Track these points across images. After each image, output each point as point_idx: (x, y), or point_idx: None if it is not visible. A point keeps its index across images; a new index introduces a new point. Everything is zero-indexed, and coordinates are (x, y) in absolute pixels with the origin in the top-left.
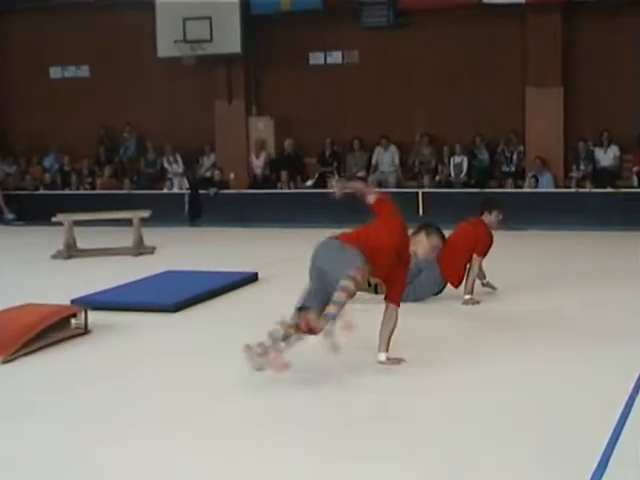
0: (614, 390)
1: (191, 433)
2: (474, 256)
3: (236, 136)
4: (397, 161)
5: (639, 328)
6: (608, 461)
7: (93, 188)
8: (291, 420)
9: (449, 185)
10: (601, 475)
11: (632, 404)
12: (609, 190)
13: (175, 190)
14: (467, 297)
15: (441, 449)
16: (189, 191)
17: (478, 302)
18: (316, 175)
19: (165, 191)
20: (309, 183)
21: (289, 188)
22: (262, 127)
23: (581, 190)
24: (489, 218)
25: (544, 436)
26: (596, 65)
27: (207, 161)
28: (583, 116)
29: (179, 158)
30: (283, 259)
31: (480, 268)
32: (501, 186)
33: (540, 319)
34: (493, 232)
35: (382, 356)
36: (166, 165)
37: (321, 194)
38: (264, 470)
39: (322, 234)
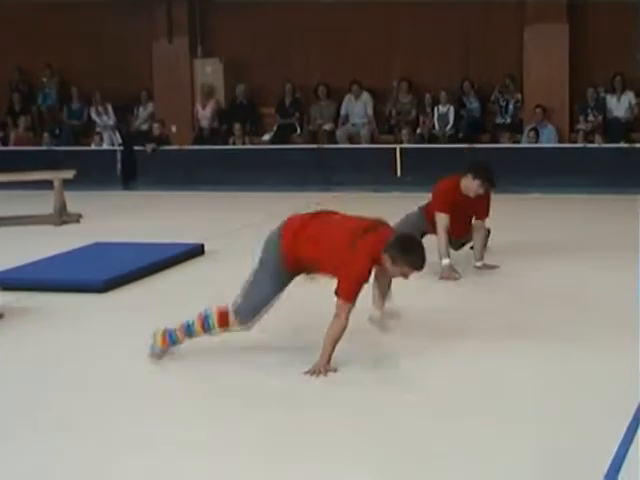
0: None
1: (117, 442)
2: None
3: (178, 82)
4: (371, 111)
5: None
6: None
7: (5, 143)
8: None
9: (433, 139)
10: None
11: None
12: (623, 145)
13: (105, 146)
14: (445, 262)
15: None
16: (122, 148)
17: (457, 278)
18: (274, 128)
19: (93, 147)
20: (266, 138)
21: (242, 144)
22: (209, 71)
23: (590, 145)
24: (469, 182)
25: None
26: None
27: (143, 112)
28: (592, 58)
29: (110, 108)
30: (235, 229)
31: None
32: (494, 141)
33: (548, 299)
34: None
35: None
36: (94, 116)
37: (281, 151)
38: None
39: (282, 198)
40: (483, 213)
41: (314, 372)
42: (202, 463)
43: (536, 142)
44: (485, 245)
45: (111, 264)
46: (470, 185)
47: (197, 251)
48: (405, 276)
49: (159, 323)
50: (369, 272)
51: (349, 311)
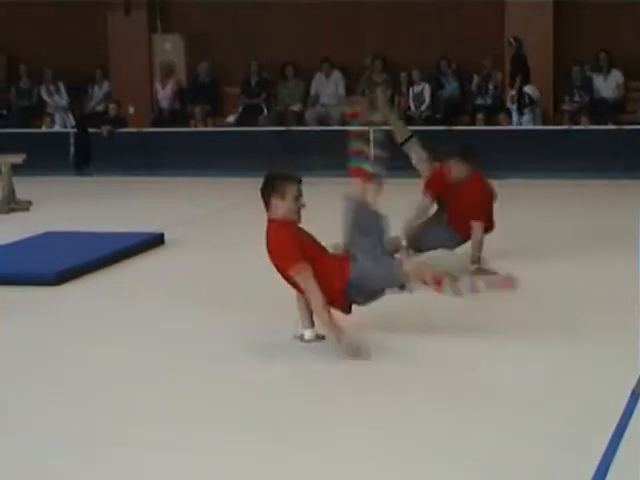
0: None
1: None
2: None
3: (136, 59)
4: (342, 91)
5: None
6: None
7: None
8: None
9: (408, 121)
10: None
11: None
12: (610, 127)
13: (57, 128)
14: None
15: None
16: (75, 130)
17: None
18: (239, 109)
19: (44, 129)
20: (231, 119)
21: (205, 126)
22: (169, 48)
23: (575, 127)
24: (457, 167)
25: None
26: None
27: (98, 91)
28: (579, 34)
29: (62, 87)
30: (197, 217)
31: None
32: (473, 122)
33: (526, 294)
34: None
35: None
36: (45, 96)
37: (246, 133)
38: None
39: (247, 184)
40: (476, 212)
41: (338, 349)
42: (156, 460)
43: (509, 124)
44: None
45: (63, 255)
46: (457, 171)
47: (156, 241)
48: (298, 202)
49: (113, 318)
50: (290, 233)
51: (307, 274)
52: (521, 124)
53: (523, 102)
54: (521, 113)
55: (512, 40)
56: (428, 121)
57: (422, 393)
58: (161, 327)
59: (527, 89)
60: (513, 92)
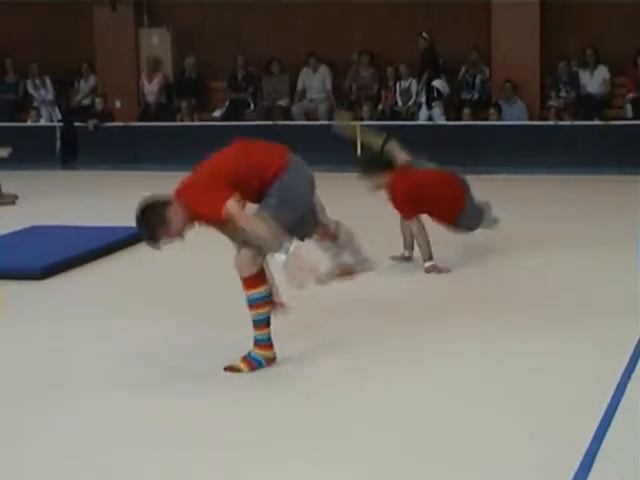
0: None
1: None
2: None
3: (123, 53)
4: (329, 86)
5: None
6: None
7: None
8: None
9: (395, 116)
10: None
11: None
12: (596, 123)
13: (43, 122)
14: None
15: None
16: (61, 124)
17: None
18: (226, 103)
19: (30, 123)
20: (217, 114)
21: (191, 120)
22: (156, 42)
23: (561, 123)
24: (370, 182)
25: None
26: None
27: (85, 85)
28: (566, 29)
29: (48, 81)
30: None
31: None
32: (459, 117)
33: (511, 293)
34: None
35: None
36: (31, 90)
37: (233, 128)
38: None
39: None
40: (402, 211)
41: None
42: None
43: (498, 119)
44: (419, 245)
45: (49, 249)
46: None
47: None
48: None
49: (100, 313)
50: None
51: (233, 203)
52: (432, 119)
53: (432, 96)
54: (430, 107)
55: (424, 35)
56: (415, 116)
57: (410, 387)
58: (147, 322)
59: (436, 83)
60: (420, 86)
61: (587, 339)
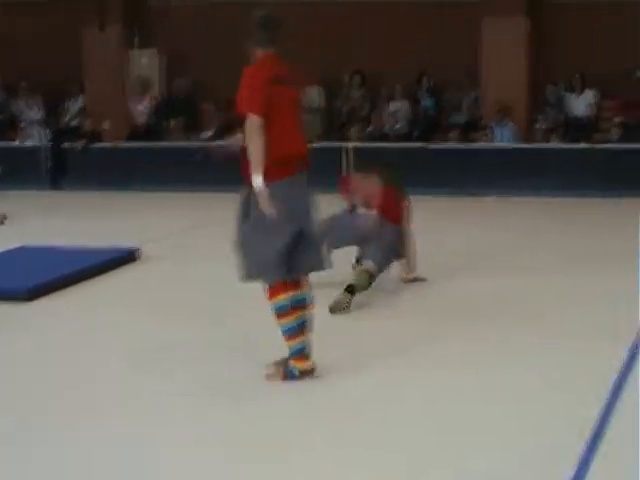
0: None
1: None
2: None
3: (111, 74)
4: (323, 103)
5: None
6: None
7: None
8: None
9: (384, 138)
10: None
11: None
12: (583, 145)
13: (32, 142)
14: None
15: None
16: (50, 144)
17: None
18: (216, 125)
19: (18, 143)
20: (207, 135)
21: (187, 140)
22: (146, 63)
23: (548, 145)
24: None
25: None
26: None
27: (74, 106)
28: (553, 53)
29: (38, 101)
30: (173, 232)
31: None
32: (446, 140)
33: (496, 311)
34: None
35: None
36: (20, 110)
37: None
38: None
39: (223, 199)
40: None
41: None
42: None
43: (490, 141)
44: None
45: (37, 270)
46: None
47: (131, 256)
48: None
49: (87, 334)
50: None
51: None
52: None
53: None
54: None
55: None
56: (405, 138)
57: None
58: (133, 344)
59: None
60: None
61: (573, 359)
